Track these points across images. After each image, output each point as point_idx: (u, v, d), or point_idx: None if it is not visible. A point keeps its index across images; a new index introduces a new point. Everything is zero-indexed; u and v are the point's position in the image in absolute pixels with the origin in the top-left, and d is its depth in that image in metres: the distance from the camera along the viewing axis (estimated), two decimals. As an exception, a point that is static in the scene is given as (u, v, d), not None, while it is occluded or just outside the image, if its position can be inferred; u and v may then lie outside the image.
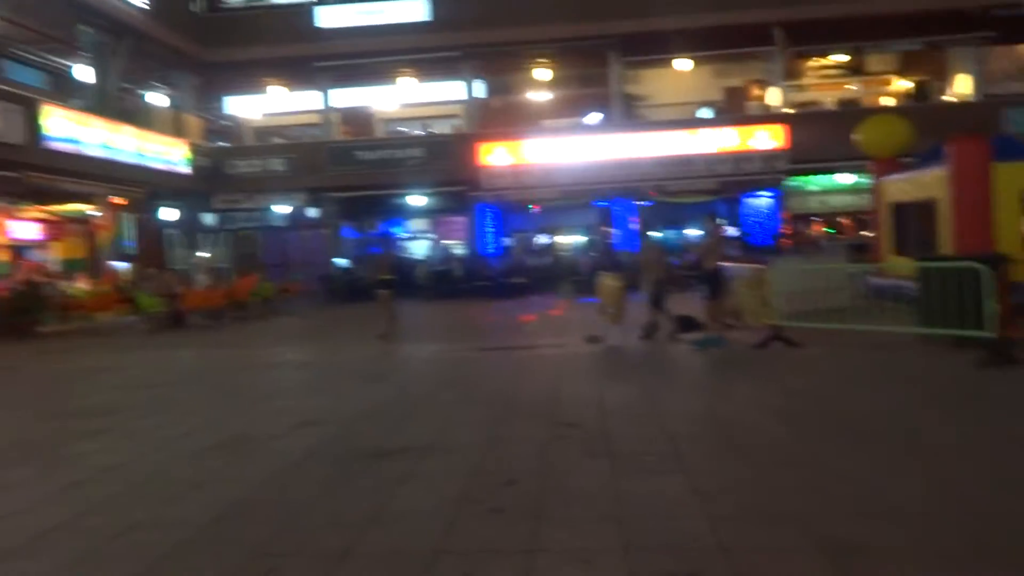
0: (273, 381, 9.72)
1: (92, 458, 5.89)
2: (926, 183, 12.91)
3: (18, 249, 19.96)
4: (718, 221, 12.21)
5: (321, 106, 25.81)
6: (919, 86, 25.17)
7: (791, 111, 23.84)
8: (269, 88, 26.43)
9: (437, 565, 3.60)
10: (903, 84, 25.69)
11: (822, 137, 21.16)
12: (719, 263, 10.86)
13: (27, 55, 21.61)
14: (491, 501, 4.48)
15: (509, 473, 5.00)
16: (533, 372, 9.31)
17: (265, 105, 27.95)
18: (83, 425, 7.18)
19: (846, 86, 26.00)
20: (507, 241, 26.48)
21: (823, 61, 25.59)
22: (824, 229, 24.75)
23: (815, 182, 23.67)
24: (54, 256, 20.74)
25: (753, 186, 22.83)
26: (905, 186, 13.85)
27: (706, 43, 22.55)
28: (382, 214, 27.67)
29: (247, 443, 6.21)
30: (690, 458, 5.17)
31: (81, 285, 19.09)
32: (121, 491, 5.03)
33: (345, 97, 26.60)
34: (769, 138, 22.33)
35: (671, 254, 22.66)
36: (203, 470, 5.45)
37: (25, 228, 20.09)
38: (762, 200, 23.65)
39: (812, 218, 24.74)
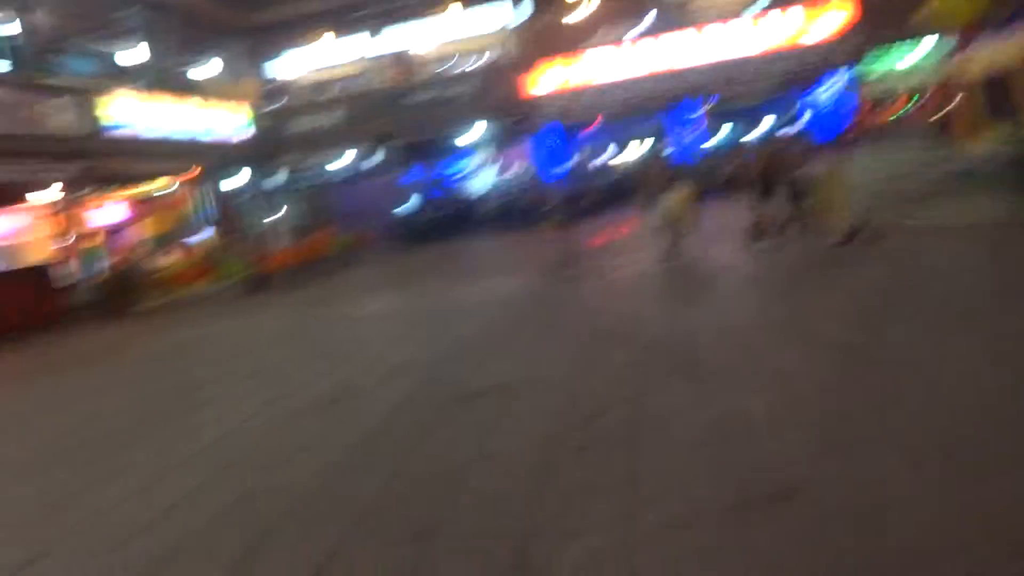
0: (360, 333, 9.98)
1: (204, 430, 6.22)
2: (1015, 49, 12.02)
3: (111, 232, 20.88)
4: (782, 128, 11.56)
5: (367, 53, 25.69)
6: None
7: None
8: (315, 42, 26.40)
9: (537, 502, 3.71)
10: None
11: (891, 9, 19.82)
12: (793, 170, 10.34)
13: (84, 46, 22.12)
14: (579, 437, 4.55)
15: (598, 401, 5.06)
16: (614, 297, 9.29)
17: (312, 62, 28.01)
18: (190, 398, 7.58)
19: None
20: (570, 165, 26.12)
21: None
22: (901, 109, 23.46)
23: (893, 59, 22.26)
24: (143, 234, 21.63)
25: (822, 71, 21.69)
26: (992, 54, 12.93)
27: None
28: (442, 153, 27.66)
29: (344, 400, 6.45)
30: (781, 371, 5.10)
31: (171, 259, 19.91)
32: (236, 459, 5.31)
33: (389, 41, 26.34)
34: (835, 17, 21.00)
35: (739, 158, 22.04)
36: (304, 431, 5.69)
37: (112, 211, 20.95)
38: (831, 90, 22.49)
39: (892, 98, 23.44)
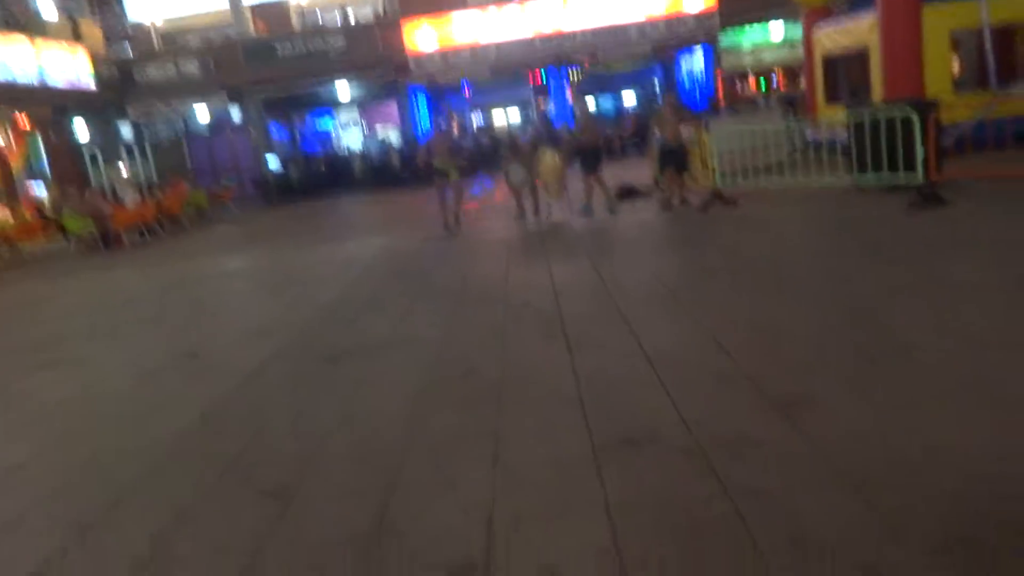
0: (219, 293, 9.61)
1: (46, 391, 5.84)
2: (857, 31, 12.92)
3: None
4: (671, 91, 11.94)
5: (231, 2, 24.36)
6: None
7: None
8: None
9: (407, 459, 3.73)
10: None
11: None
12: (677, 133, 10.67)
13: None
14: (454, 391, 4.61)
15: (467, 361, 5.12)
16: (479, 257, 9.37)
17: (169, 7, 26.28)
18: (30, 359, 7.07)
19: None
20: (442, 126, 25.91)
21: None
22: (758, 86, 24.76)
23: (748, 38, 23.45)
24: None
25: (686, 44, 22.53)
26: (837, 36, 13.84)
27: None
28: (310, 109, 26.79)
29: (200, 359, 6.21)
30: (642, 330, 5.34)
31: (1, 216, 18.28)
32: (81, 422, 5.02)
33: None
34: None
35: (607, 123, 22.61)
36: (161, 391, 5.46)
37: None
38: (696, 61, 23.42)
39: (746, 76, 24.68)
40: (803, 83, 17.44)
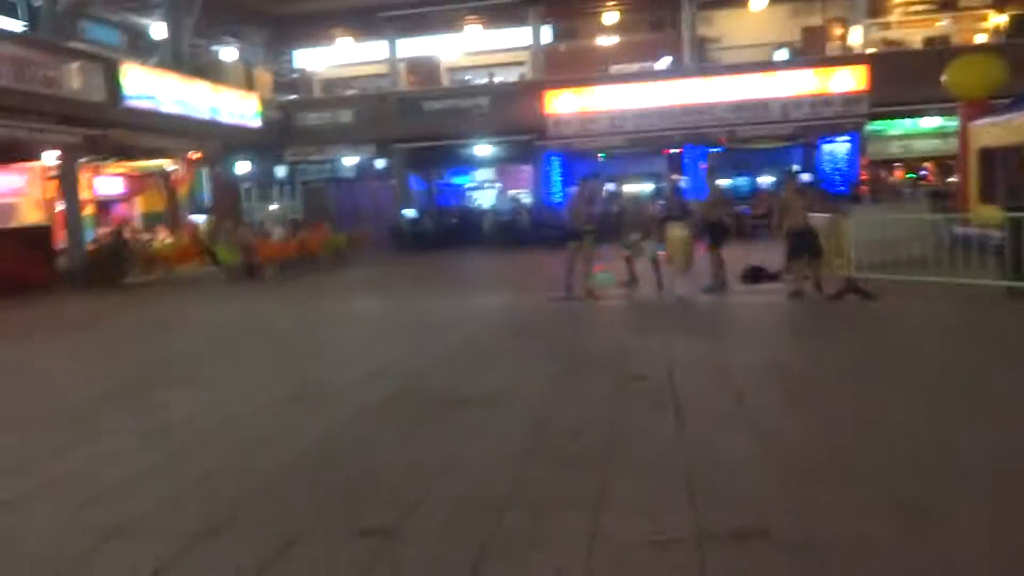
0: (346, 331, 9.98)
1: (177, 405, 6.20)
2: (1019, 127, 12.24)
3: (103, 204, 20.86)
4: (795, 172, 11.67)
5: (387, 56, 25.86)
6: (1014, 20, 23.61)
7: (874, 50, 22.76)
8: (336, 39, 26.60)
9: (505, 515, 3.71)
10: (997, 19, 24.17)
11: (907, 78, 20.10)
12: (801, 220, 10.38)
13: (105, 15, 22.23)
14: (559, 452, 4.57)
15: (576, 423, 5.08)
16: (598, 322, 9.33)
17: (332, 57, 28.17)
18: (168, 373, 7.56)
19: (935, 23, 24.62)
20: (574, 190, 26.25)
21: (910, -5, 24.32)
22: (906, 176, 23.78)
23: (898, 126, 22.65)
24: (136, 211, 21.61)
25: (831, 131, 21.99)
26: (996, 130, 13.16)
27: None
28: (449, 164, 27.75)
29: (322, 392, 6.44)
30: (762, 418, 5.14)
31: (162, 238, 19.88)
32: (204, 439, 5.29)
33: (411, 47, 26.59)
34: (849, 79, 21.39)
35: (737, 202, 22.18)
36: (278, 419, 5.68)
37: (109, 184, 20.94)
38: (840, 146, 22.79)
39: (893, 164, 23.77)
40: (955, 175, 16.61)
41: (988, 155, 13.50)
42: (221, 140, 22.14)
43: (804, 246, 10.16)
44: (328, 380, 6.89)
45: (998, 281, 9.31)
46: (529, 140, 23.67)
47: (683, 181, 24.34)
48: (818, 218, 11.45)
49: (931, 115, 21.56)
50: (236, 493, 4.16)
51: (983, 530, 3.26)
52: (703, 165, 23.83)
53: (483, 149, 25.28)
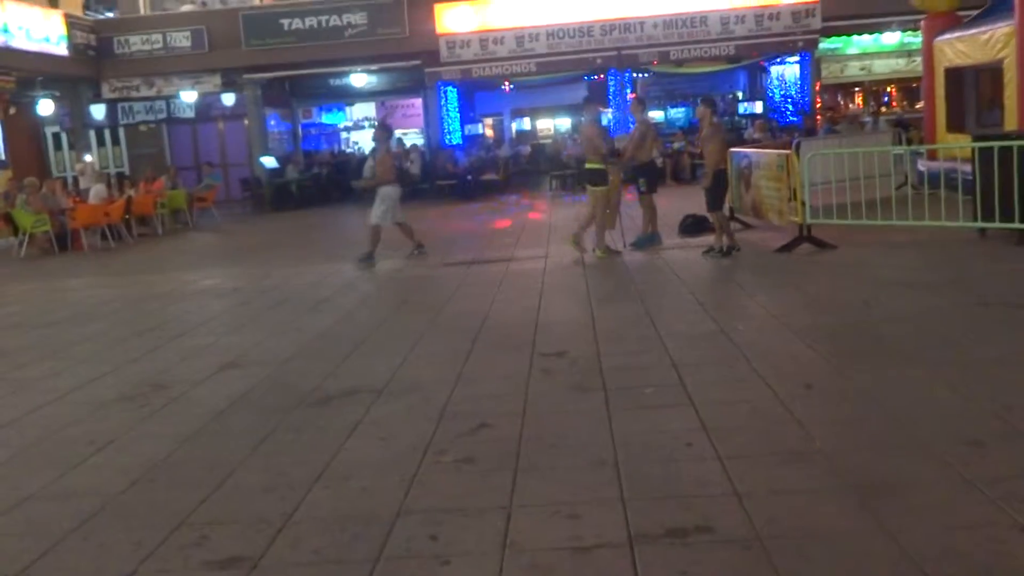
0: (189, 314, 9.75)
1: (-29, 417, 5.95)
2: (990, 42, 12.87)
3: None
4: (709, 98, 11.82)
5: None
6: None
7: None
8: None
9: (397, 529, 3.73)
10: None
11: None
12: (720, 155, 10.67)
13: None
14: (457, 451, 4.61)
15: (480, 416, 5.12)
16: (509, 291, 9.39)
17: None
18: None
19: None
20: (474, 129, 26.23)
21: None
22: (865, 102, 24.75)
23: (855, 44, 23.47)
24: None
25: (779, 50, 22.61)
26: (964, 46, 13.80)
27: None
28: (317, 99, 27.24)
29: (160, 392, 6.29)
30: (699, 391, 5.31)
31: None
32: (11, 456, 5.11)
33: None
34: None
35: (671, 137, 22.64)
36: (109, 427, 5.53)
37: None
38: (790, 68, 23.48)
39: (852, 89, 24.69)
40: (919, 102, 17.40)
41: (955, 76, 14.17)
42: (15, 72, 20.99)
43: (723, 190, 10.51)
44: (168, 376, 6.74)
45: (969, 223, 9.84)
46: (418, 67, 23.41)
47: (607, 114, 24.67)
48: (764, 155, 11.82)
49: (893, 30, 22.43)
50: (55, 522, 4.05)
51: (939, 509, 3.49)
52: (631, 94, 24.15)
53: (360, 79, 24.88)
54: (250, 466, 4.66)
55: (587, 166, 11.22)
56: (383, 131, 13.11)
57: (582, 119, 12.32)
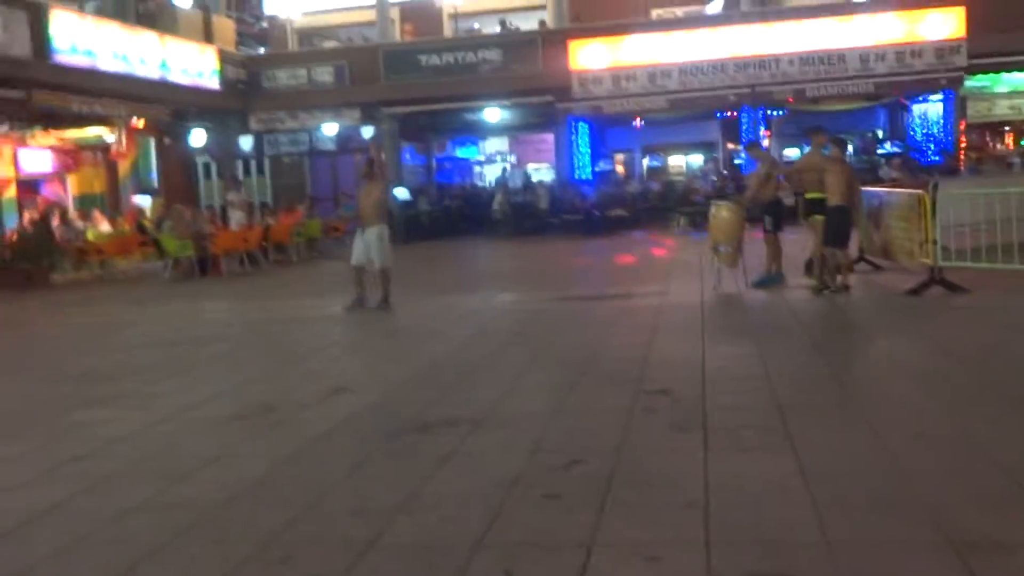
0: (311, 338, 10.06)
1: (97, 429, 6.27)
2: None
3: (28, 184, 20.91)
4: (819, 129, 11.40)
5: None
6: None
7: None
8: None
9: (474, 562, 3.72)
10: None
11: (1015, 21, 19.85)
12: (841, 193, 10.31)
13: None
14: (546, 485, 4.57)
15: (574, 451, 5.07)
16: (622, 327, 9.32)
17: (309, 2, 28.22)
18: (91, 390, 7.65)
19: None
20: (604, 165, 26.23)
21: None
22: (1017, 143, 23.55)
23: (1004, 82, 22.37)
24: (68, 192, 21.74)
25: (921, 88, 21.77)
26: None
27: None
28: (451, 133, 27.75)
29: (270, 413, 6.49)
30: (802, 435, 5.11)
31: (99, 225, 20.03)
32: (123, 469, 5.36)
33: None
34: (943, 25, 21.13)
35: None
36: (217, 444, 5.74)
37: (34, 159, 21.00)
38: (933, 106, 22.57)
39: (1001, 129, 23.55)
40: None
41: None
42: (171, 105, 22.26)
43: (845, 226, 10.16)
44: (281, 398, 6.95)
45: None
46: (550, 102, 23.62)
47: (739, 152, 24.27)
48: (896, 194, 11.40)
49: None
50: (151, 534, 4.21)
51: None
52: (765, 132, 23.69)
53: (493, 114, 25.26)
54: (342, 489, 4.75)
55: (807, 196, 10.99)
56: (368, 168, 12.32)
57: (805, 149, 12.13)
